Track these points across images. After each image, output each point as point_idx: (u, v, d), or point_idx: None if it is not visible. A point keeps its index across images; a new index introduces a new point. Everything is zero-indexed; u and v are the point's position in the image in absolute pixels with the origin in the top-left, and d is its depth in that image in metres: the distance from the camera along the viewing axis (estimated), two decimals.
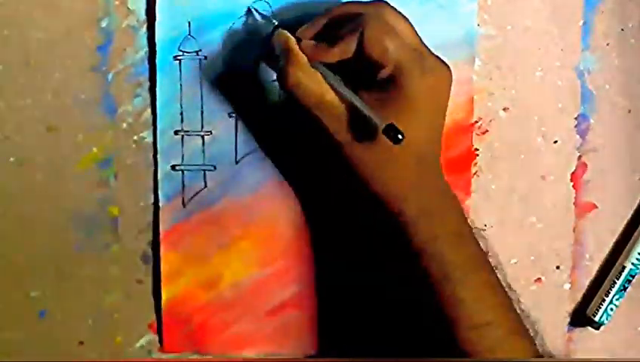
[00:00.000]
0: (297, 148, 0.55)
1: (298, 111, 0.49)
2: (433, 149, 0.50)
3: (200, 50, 0.54)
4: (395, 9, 0.49)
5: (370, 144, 0.48)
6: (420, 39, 0.49)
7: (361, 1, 0.49)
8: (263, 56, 0.54)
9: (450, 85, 0.49)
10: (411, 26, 0.49)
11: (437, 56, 0.49)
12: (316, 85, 0.47)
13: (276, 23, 0.51)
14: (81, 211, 0.56)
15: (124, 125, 0.56)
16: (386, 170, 0.49)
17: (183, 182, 0.55)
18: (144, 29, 0.55)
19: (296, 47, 0.48)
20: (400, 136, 0.44)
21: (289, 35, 0.49)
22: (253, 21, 0.53)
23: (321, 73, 0.48)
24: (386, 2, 0.49)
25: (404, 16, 0.49)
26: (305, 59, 0.48)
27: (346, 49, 0.47)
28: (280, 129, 0.55)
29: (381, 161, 0.48)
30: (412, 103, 0.47)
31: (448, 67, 0.49)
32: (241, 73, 0.54)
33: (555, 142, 0.57)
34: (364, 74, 0.48)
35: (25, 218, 0.56)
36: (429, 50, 0.49)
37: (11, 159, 0.56)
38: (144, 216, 0.56)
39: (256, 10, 0.53)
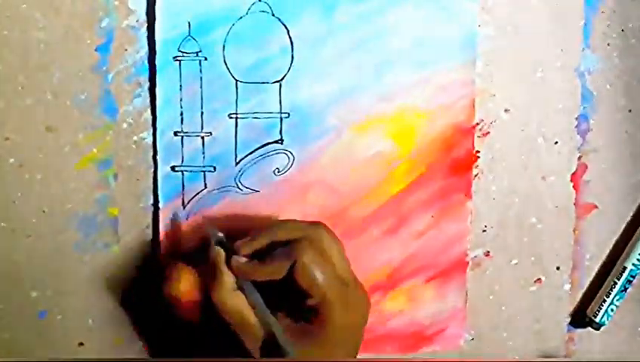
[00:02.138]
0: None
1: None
2: None
3: (200, 51, 0.54)
4: (332, 233, 0.50)
5: None
6: (349, 267, 0.50)
7: (303, 222, 0.50)
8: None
9: (367, 314, 0.50)
10: (343, 250, 0.50)
11: (360, 285, 0.50)
12: (239, 306, 0.48)
13: (220, 236, 0.51)
14: (81, 211, 0.56)
15: (124, 125, 0.56)
16: None
17: (182, 183, 0.55)
18: (144, 29, 0.55)
19: (225, 268, 0.49)
20: None
21: (219, 250, 0.50)
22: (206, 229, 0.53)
23: (245, 291, 0.49)
24: (324, 225, 0.50)
25: (340, 243, 0.50)
26: (232, 279, 0.49)
27: (276, 272, 0.48)
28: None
29: None
30: (332, 336, 0.48)
31: (367, 298, 0.50)
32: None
33: (556, 142, 0.57)
34: (291, 298, 0.49)
35: (25, 218, 0.56)
36: (355, 277, 0.50)
37: (11, 159, 0.56)
38: (144, 216, 0.56)
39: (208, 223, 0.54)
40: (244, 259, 0.49)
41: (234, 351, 0.50)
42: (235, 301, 0.48)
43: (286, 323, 0.49)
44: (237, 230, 0.52)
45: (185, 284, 0.51)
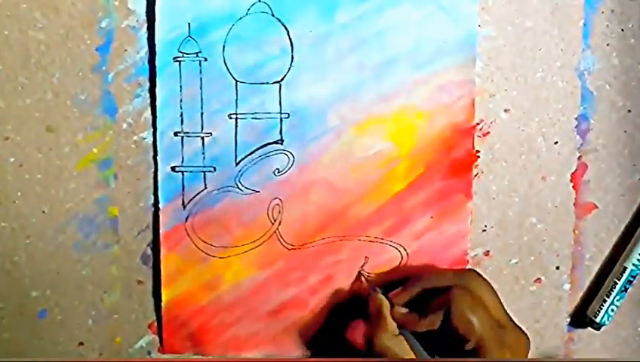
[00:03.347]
0: None
1: None
2: None
3: (200, 52, 0.54)
4: (484, 279, 0.52)
5: None
6: (504, 309, 0.51)
7: (453, 270, 0.54)
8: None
9: (528, 353, 0.51)
10: (497, 296, 0.51)
11: (518, 326, 0.51)
12: (402, 351, 0.51)
13: (379, 290, 0.54)
14: (81, 211, 0.56)
15: (124, 125, 0.56)
16: None
17: (182, 183, 0.55)
18: (144, 29, 0.55)
19: (389, 315, 0.52)
20: None
21: (384, 300, 0.53)
22: (357, 286, 0.57)
23: (407, 339, 0.51)
24: (476, 272, 0.52)
25: (491, 287, 0.51)
26: (394, 326, 0.52)
27: (433, 322, 0.50)
28: None
29: None
30: None
31: (527, 337, 0.51)
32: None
33: (556, 142, 0.57)
34: (449, 343, 0.50)
35: (25, 218, 0.56)
36: (512, 321, 0.51)
37: (11, 159, 0.56)
38: (144, 216, 0.56)
39: (364, 276, 0.57)
40: (405, 310, 0.52)
41: None
42: (399, 346, 0.51)
43: None
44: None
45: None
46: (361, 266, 0.57)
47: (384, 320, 0.52)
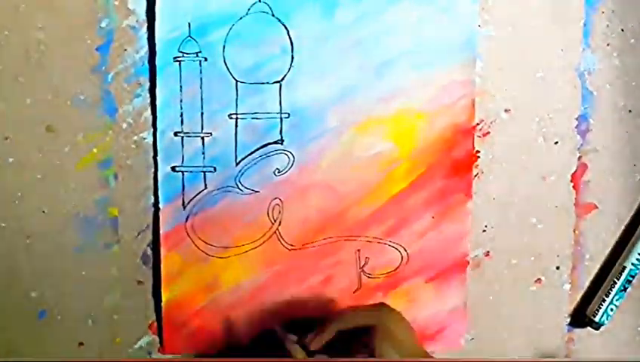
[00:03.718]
0: None
1: None
2: None
3: (200, 52, 0.54)
4: (395, 311, 0.52)
5: None
6: (416, 336, 0.52)
7: (364, 307, 0.53)
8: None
9: None
10: (408, 324, 0.52)
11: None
12: None
13: (294, 338, 0.53)
14: (81, 211, 0.56)
15: (124, 125, 0.56)
16: None
17: (183, 183, 0.55)
18: (144, 29, 0.55)
19: None
20: None
21: (299, 351, 0.52)
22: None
23: None
24: (387, 306, 0.52)
25: (402, 317, 0.52)
26: None
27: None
28: None
29: None
30: None
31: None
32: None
33: (556, 142, 0.57)
34: None
35: (25, 218, 0.56)
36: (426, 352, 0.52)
37: (11, 159, 0.56)
38: (144, 216, 0.56)
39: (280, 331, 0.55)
40: (327, 357, 0.52)
41: None
42: None
43: None
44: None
45: None
46: (361, 266, 0.57)
47: None
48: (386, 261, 0.57)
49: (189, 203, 0.56)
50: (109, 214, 0.56)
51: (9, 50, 0.55)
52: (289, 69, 0.55)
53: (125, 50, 0.55)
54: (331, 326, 0.52)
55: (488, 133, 0.56)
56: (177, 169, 0.55)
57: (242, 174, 0.56)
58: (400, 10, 0.55)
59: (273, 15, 0.54)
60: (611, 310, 0.58)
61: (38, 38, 0.55)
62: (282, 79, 0.55)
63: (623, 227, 0.59)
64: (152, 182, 0.56)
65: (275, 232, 0.56)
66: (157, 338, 0.58)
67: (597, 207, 0.58)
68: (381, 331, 0.50)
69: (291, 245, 0.57)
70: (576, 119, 0.57)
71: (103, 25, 0.55)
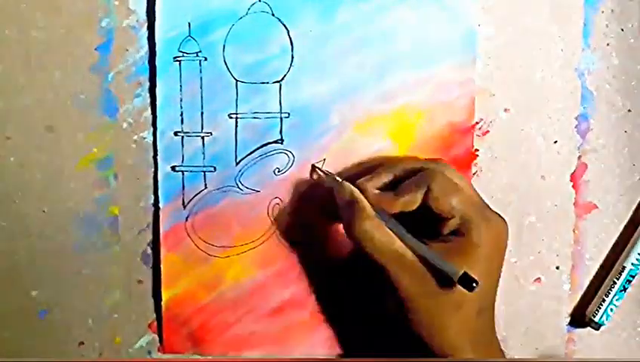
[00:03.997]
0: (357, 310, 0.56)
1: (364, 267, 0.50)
2: (491, 300, 0.50)
3: (200, 51, 0.54)
4: (451, 166, 0.50)
5: (435, 297, 0.47)
6: (478, 193, 0.50)
7: (420, 158, 0.52)
8: (325, 211, 0.55)
9: (507, 236, 0.50)
10: (470, 184, 0.51)
11: (492, 209, 0.50)
12: (384, 235, 0.48)
13: (339, 180, 0.52)
14: (81, 211, 0.56)
15: (125, 125, 0.56)
16: (449, 322, 0.48)
17: (183, 183, 0.55)
18: (144, 29, 0.55)
19: (362, 198, 0.49)
20: (474, 284, 0.45)
21: (353, 187, 0.50)
22: (317, 177, 0.55)
23: (385, 222, 0.48)
24: (442, 160, 0.51)
25: (460, 175, 0.50)
26: (371, 209, 0.48)
27: (410, 202, 0.48)
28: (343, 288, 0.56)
29: (444, 312, 0.48)
30: (477, 253, 0.47)
31: (504, 219, 0.50)
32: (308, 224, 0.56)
33: (555, 142, 0.57)
34: (428, 226, 0.49)
35: (25, 218, 0.56)
36: (486, 203, 0.50)
37: (11, 159, 0.56)
38: (144, 216, 0.56)
39: (319, 169, 0.55)
40: (377, 191, 0.49)
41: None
42: (378, 230, 0.47)
43: (430, 246, 0.48)
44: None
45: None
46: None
47: (358, 204, 0.48)
48: None
49: (189, 202, 0.56)
50: (109, 214, 0.56)
51: (9, 50, 0.55)
52: (289, 68, 0.55)
53: (125, 49, 0.55)
54: (388, 170, 0.51)
55: (488, 132, 0.56)
56: (177, 168, 0.55)
57: (242, 174, 0.56)
58: (400, 9, 0.55)
59: (273, 15, 0.54)
60: (611, 310, 0.58)
61: (38, 38, 0.55)
62: (282, 79, 0.55)
63: (622, 227, 0.59)
64: (152, 181, 0.56)
65: (275, 232, 0.56)
66: (157, 338, 0.58)
67: (596, 207, 0.58)
68: (437, 176, 0.48)
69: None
70: (576, 119, 0.57)
71: (104, 24, 0.55)
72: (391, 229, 0.48)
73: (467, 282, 0.45)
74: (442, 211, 0.48)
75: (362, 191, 0.50)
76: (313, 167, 0.55)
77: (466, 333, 0.48)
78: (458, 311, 0.48)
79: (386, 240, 0.47)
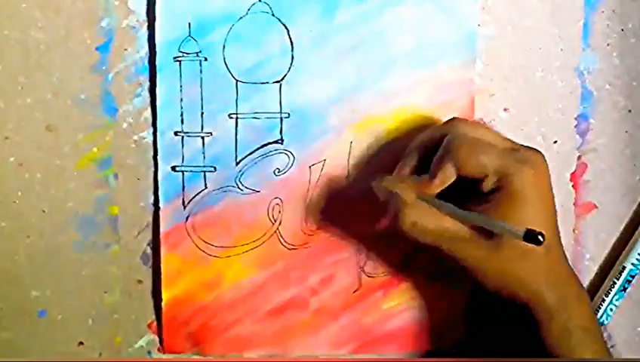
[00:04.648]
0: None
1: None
2: (556, 235, 0.50)
3: (200, 51, 0.54)
4: (470, 120, 0.50)
5: (499, 254, 0.47)
6: (503, 137, 0.49)
7: (437, 126, 0.51)
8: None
9: (548, 169, 0.48)
10: (493, 130, 0.50)
11: (526, 146, 0.49)
12: (432, 218, 0.47)
13: (375, 180, 0.51)
14: (81, 211, 0.56)
15: (124, 125, 0.56)
16: (519, 270, 0.47)
17: (183, 183, 0.55)
18: (144, 29, 0.55)
19: (400, 189, 0.48)
20: (541, 238, 0.44)
21: (389, 178, 0.50)
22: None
23: (429, 202, 0.48)
24: (459, 118, 0.50)
25: (480, 123, 0.50)
26: (413, 197, 0.48)
27: (446, 177, 0.48)
28: None
29: (513, 264, 0.47)
30: (524, 199, 0.47)
31: (540, 152, 0.49)
32: None
33: (555, 142, 0.57)
34: (466, 190, 0.48)
35: (25, 218, 0.56)
36: (516, 143, 0.49)
37: (11, 159, 0.56)
38: (144, 216, 0.56)
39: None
40: (413, 178, 0.49)
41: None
42: (426, 215, 0.48)
43: (478, 211, 0.48)
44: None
45: None
46: (362, 266, 0.57)
47: (398, 198, 0.48)
48: (386, 259, 0.57)
49: (189, 202, 0.56)
50: (109, 214, 0.56)
51: (9, 50, 0.55)
52: (289, 68, 0.55)
53: (125, 49, 0.55)
54: (414, 149, 0.50)
55: None
56: (177, 169, 0.55)
57: (242, 174, 0.56)
58: (400, 9, 0.55)
59: (273, 15, 0.54)
60: (611, 310, 0.58)
61: (38, 38, 0.55)
62: (282, 79, 0.55)
63: (622, 227, 0.59)
64: (152, 181, 0.56)
65: (275, 232, 0.56)
66: (157, 338, 0.58)
67: (596, 207, 0.58)
68: (458, 140, 0.47)
69: (291, 245, 0.57)
70: (576, 119, 0.57)
71: (103, 24, 0.55)
72: (438, 208, 0.48)
73: (533, 237, 0.44)
74: (474, 174, 0.47)
75: (399, 183, 0.49)
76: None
77: (541, 276, 0.48)
78: (526, 258, 0.47)
79: (435, 224, 0.47)
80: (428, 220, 0.47)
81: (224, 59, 0.55)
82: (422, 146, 0.51)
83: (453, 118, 0.51)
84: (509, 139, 0.49)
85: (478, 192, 0.48)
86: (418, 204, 0.48)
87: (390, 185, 0.49)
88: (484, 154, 0.47)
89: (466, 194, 0.49)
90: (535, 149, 0.49)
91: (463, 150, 0.47)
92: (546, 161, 0.48)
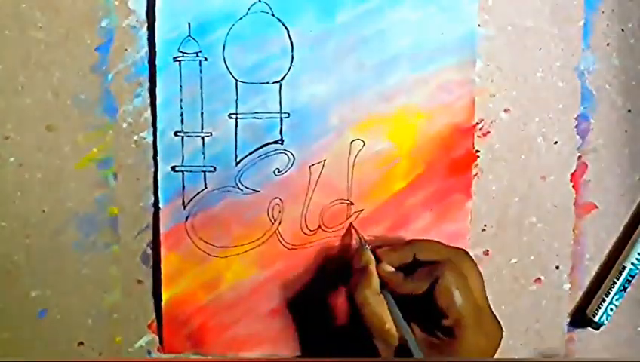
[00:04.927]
0: None
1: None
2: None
3: (200, 51, 0.54)
4: (472, 260, 0.51)
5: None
6: (486, 295, 0.50)
7: (445, 245, 0.51)
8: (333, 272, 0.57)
9: (499, 344, 0.50)
10: (482, 281, 0.50)
11: (494, 316, 0.51)
12: (379, 309, 0.50)
13: (366, 246, 0.53)
14: (81, 211, 0.56)
15: (124, 125, 0.56)
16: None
17: (183, 183, 0.55)
18: (144, 29, 0.55)
19: (374, 271, 0.51)
20: None
21: (373, 258, 0.52)
22: (348, 240, 0.56)
23: (386, 300, 0.50)
24: (465, 252, 0.51)
25: (478, 271, 0.50)
26: (377, 283, 0.51)
27: (417, 288, 0.49)
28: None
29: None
30: (461, 356, 0.48)
31: (501, 327, 0.51)
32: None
33: (556, 142, 0.57)
34: (426, 315, 0.49)
35: (25, 218, 0.56)
36: (491, 309, 0.50)
37: (11, 159, 0.56)
38: (144, 216, 0.56)
39: (355, 229, 0.56)
40: (391, 268, 0.51)
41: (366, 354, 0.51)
42: (378, 304, 0.50)
43: (419, 336, 0.50)
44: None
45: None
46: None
47: (369, 275, 0.51)
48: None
49: (189, 202, 0.56)
50: (109, 214, 0.56)
51: (9, 50, 0.55)
52: (289, 68, 0.55)
53: (125, 49, 0.55)
54: (409, 249, 0.51)
55: (488, 132, 0.56)
56: (177, 169, 0.55)
57: (242, 174, 0.56)
58: (400, 10, 0.55)
59: (273, 15, 0.54)
60: (611, 310, 0.58)
61: (38, 38, 0.55)
62: (282, 79, 0.55)
63: (622, 227, 0.59)
64: (152, 181, 0.56)
65: (275, 232, 0.56)
66: (157, 338, 0.58)
67: (596, 207, 0.58)
68: (452, 268, 0.48)
69: (291, 245, 0.57)
70: (576, 119, 0.57)
71: (103, 24, 0.55)
72: (389, 308, 0.50)
73: None
74: (442, 307, 0.48)
75: (378, 262, 0.51)
76: (351, 225, 0.56)
77: None
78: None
79: (379, 317, 0.49)
80: (376, 309, 0.50)
81: (224, 59, 0.55)
82: (421, 256, 0.51)
83: (463, 249, 0.51)
84: (486, 299, 0.50)
85: (434, 322, 0.49)
86: (377, 290, 0.50)
87: (369, 262, 0.51)
88: (460, 297, 0.48)
89: (425, 316, 0.50)
90: (498, 322, 0.50)
91: (448, 281, 0.48)
92: (501, 339, 0.50)
